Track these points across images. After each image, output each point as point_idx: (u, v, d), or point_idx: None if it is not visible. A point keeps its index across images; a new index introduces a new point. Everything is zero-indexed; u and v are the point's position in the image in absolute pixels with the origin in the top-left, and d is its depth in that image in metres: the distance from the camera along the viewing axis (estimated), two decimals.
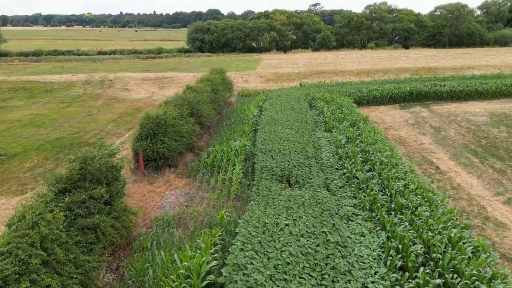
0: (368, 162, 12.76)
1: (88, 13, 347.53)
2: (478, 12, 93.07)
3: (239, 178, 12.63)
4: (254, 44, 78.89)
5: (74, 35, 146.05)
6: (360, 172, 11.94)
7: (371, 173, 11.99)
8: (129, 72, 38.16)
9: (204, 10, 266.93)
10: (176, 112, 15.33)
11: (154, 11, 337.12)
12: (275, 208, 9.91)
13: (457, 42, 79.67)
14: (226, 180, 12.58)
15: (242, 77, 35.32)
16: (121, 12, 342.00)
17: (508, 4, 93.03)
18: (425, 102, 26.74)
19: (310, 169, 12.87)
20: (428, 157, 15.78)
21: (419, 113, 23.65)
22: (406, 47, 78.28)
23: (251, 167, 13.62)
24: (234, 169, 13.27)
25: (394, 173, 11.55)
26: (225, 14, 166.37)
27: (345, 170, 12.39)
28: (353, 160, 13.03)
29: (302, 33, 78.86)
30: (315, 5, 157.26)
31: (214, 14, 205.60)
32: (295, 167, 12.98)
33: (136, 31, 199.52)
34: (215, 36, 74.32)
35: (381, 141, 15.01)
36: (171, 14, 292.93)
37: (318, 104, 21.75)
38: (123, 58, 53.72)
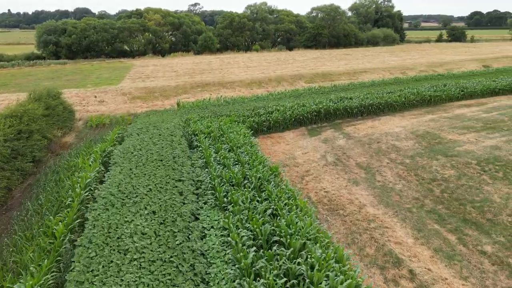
0: None
1: None
2: (350, 13, 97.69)
3: None
4: (126, 47, 67.54)
5: None
6: None
7: None
8: None
9: (71, 9, 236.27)
10: None
11: (9, 10, 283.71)
12: None
13: (335, 43, 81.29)
14: None
15: (96, 96, 25.63)
16: None
17: (374, 6, 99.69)
18: (334, 121, 21.57)
19: None
20: (385, 242, 9.63)
21: (334, 141, 18.07)
22: (290, 49, 76.50)
23: None
24: None
25: None
26: (97, 13, 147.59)
27: None
28: None
29: (182, 35, 70.54)
30: (195, 5, 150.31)
31: (84, 13, 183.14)
32: None
33: None
34: (74, 39, 60.91)
35: (315, 234, 8.26)
36: (30, 13, 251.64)
37: (202, 145, 14.29)
38: None
